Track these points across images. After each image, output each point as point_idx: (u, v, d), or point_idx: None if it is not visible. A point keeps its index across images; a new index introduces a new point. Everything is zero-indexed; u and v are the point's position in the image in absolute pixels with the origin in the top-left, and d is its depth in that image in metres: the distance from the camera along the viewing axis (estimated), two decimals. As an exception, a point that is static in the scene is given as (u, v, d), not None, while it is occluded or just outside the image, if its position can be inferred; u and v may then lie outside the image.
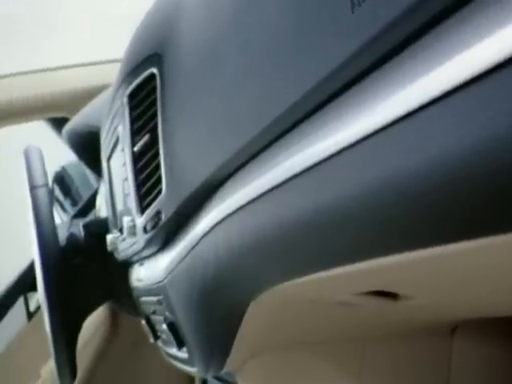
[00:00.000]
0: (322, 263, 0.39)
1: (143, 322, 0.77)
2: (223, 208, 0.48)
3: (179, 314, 0.59)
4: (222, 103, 0.45)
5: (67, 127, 1.14)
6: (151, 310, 0.71)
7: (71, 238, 0.95)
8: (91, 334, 1.18)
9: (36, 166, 0.84)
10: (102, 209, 1.23)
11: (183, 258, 0.56)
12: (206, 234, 0.52)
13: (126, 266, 0.85)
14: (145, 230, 0.61)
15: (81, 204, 1.64)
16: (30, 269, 0.95)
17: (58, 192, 1.77)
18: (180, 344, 0.61)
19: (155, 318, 0.71)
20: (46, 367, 1.34)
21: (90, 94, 1.30)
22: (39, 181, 0.84)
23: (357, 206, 0.28)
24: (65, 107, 1.39)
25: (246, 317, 0.53)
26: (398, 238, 0.28)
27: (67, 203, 1.77)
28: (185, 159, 0.54)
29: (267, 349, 0.60)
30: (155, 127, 0.60)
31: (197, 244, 0.54)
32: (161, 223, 0.58)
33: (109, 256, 0.90)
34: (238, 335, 0.54)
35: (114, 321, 1.20)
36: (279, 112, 0.36)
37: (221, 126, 0.46)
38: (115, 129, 0.72)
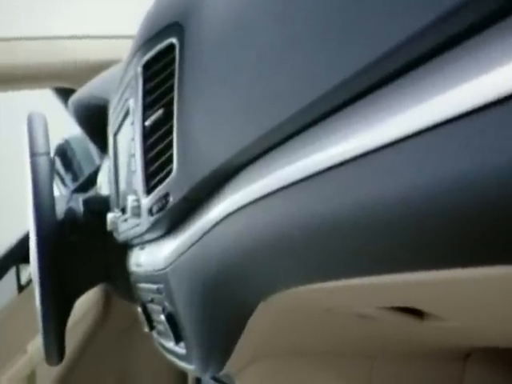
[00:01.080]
0: (347, 271, 0.34)
1: (139, 309, 0.72)
2: (238, 197, 0.43)
3: (180, 306, 0.54)
4: (249, 82, 0.40)
5: (74, 97, 1.08)
6: (149, 298, 0.66)
7: (70, 212, 0.90)
8: (82, 314, 1.13)
9: (39, 132, 0.79)
10: (103, 186, 1.18)
11: (190, 247, 0.51)
12: (217, 224, 0.47)
13: (126, 248, 0.80)
14: (150, 211, 0.55)
15: (81, 179, 1.59)
16: (25, 240, 0.90)
17: (59, 165, 1.72)
18: (178, 338, 0.56)
19: (152, 307, 0.66)
20: (33, 342, 1.30)
21: (99, 68, 1.25)
22: (41, 148, 0.79)
23: (379, 216, 0.27)
24: (72, 78, 1.34)
25: (253, 318, 0.48)
26: (426, 254, 0.26)
27: (68, 178, 1.72)
28: (201, 140, 0.48)
29: (271, 354, 0.55)
30: (170, 102, 0.54)
31: (206, 233, 0.49)
32: (168, 206, 0.53)
33: (107, 236, 0.85)
34: (243, 336, 0.50)
35: (106, 303, 1.15)
36: (313, 98, 0.31)
37: (245, 107, 0.41)
38: (126, 101, 0.67)
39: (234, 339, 0.50)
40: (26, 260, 0.94)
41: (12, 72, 1.19)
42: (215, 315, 0.51)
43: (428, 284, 0.30)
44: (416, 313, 0.42)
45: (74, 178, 1.67)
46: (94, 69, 1.29)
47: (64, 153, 1.71)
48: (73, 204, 0.92)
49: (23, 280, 1.40)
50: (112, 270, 0.92)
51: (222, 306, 0.50)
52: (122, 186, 0.74)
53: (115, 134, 0.79)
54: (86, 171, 1.63)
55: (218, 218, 0.47)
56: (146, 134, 0.58)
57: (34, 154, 0.77)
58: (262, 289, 0.45)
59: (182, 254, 0.52)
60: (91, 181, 1.37)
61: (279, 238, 0.39)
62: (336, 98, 0.30)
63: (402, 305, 0.40)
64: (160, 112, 0.56)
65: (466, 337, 0.46)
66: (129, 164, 0.68)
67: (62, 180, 1.73)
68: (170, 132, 0.54)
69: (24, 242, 1.25)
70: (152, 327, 0.70)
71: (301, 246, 0.37)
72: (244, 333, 0.49)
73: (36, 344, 1.23)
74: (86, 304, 1.12)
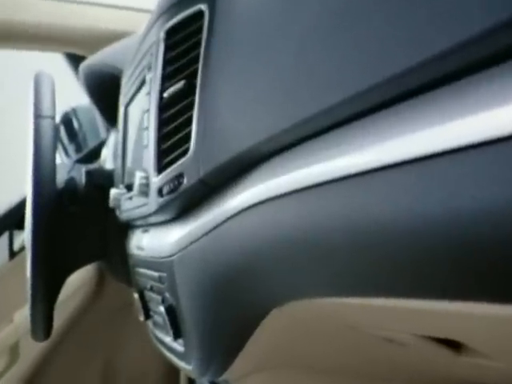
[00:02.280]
0: (376, 290, 0.30)
1: (135, 295, 0.66)
2: (262, 190, 0.38)
3: (183, 299, 0.48)
4: (290, 62, 0.35)
5: (85, 63, 1.02)
6: (148, 286, 0.61)
7: (70, 182, 0.84)
8: (73, 290, 1.07)
9: (45, 94, 0.73)
10: (107, 161, 1.11)
11: (201, 236, 0.45)
12: (234, 215, 0.41)
13: (127, 228, 0.74)
14: (160, 192, 0.50)
15: (85, 151, 1.53)
16: (21, 205, 0.83)
17: (63, 134, 1.66)
18: (177, 334, 0.50)
19: (151, 296, 0.60)
20: (20, 312, 1.24)
21: (112, 38, 1.19)
22: (46, 111, 0.72)
23: (412, 233, 0.24)
24: (83, 45, 1.27)
25: (265, 323, 0.42)
26: (468, 284, 0.23)
27: (71, 148, 1.66)
28: (226, 120, 0.43)
29: (278, 364, 0.49)
30: (194, 74, 0.48)
31: (221, 224, 0.43)
32: (181, 188, 0.47)
33: (108, 212, 0.79)
34: (250, 342, 0.44)
35: (100, 282, 1.09)
36: (360, 91, 0.27)
37: (282, 90, 0.35)
38: (143, 69, 0.61)
39: (240, 343, 0.45)
40: (21, 226, 0.88)
41: (23, 29, 1.13)
42: (222, 315, 0.45)
43: (473, 316, 0.26)
44: (453, 345, 0.36)
45: (78, 149, 1.61)
46: (106, 38, 1.23)
47: (69, 122, 1.64)
48: (74, 174, 0.85)
49: (16, 246, 1.34)
50: (109, 248, 0.86)
51: (230, 305, 0.44)
52: (130, 161, 0.68)
53: (127, 106, 0.72)
54: (91, 143, 1.57)
55: (237, 210, 0.41)
56: (163, 106, 0.52)
57: (38, 116, 0.71)
58: (278, 294, 0.40)
59: (192, 243, 0.46)
60: (95, 154, 1.31)
61: (302, 241, 0.33)
62: (379, 96, 0.27)
63: (439, 335, 0.34)
64: (181, 84, 0.50)
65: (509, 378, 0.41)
66: (140, 138, 0.62)
67: (65, 150, 1.66)
68: (190, 107, 0.48)
69: (20, 207, 1.18)
70: (148, 316, 0.64)
71: (324, 254, 0.32)
72: (252, 338, 0.44)
73: (23, 314, 1.17)
74: (78, 281, 1.06)
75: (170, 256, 0.49)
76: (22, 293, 0.90)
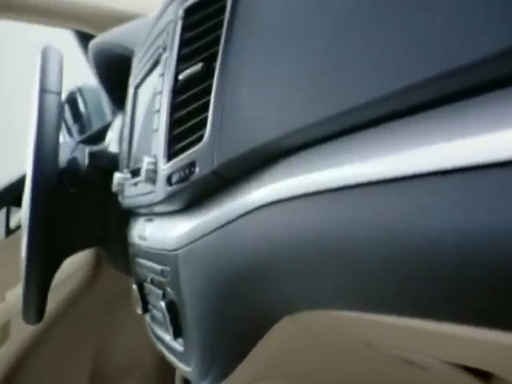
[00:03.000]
0: (401, 307, 0.27)
1: (134, 286, 0.63)
2: (280, 188, 0.34)
3: (186, 296, 0.45)
4: (321, 49, 0.31)
5: (95, 42, 0.98)
6: (148, 278, 0.57)
7: (73, 162, 0.80)
8: (68, 275, 1.04)
9: (52, 68, 0.69)
10: (112, 144, 1.08)
11: (211, 231, 0.42)
12: (249, 212, 0.38)
13: (129, 215, 0.70)
14: (169, 180, 0.46)
15: (89, 132, 1.49)
16: (21, 182, 0.79)
17: (67, 113, 1.61)
18: (177, 332, 0.47)
19: (151, 289, 0.57)
20: (13, 291, 1.20)
21: (123, 18, 1.14)
22: (52, 86, 0.68)
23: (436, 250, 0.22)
24: (93, 24, 1.22)
25: (274, 330, 0.39)
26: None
27: (75, 128, 1.61)
28: (246, 108, 0.39)
29: (279, 375, 0.46)
30: (213, 57, 0.44)
31: (235, 220, 0.39)
32: (192, 178, 0.43)
33: (110, 197, 0.75)
34: (256, 348, 0.40)
35: (96, 268, 1.05)
36: (394, 90, 0.25)
37: (310, 81, 0.32)
38: (157, 49, 0.57)
39: (245, 348, 0.41)
40: (19, 203, 0.84)
41: (33, 3, 1.08)
42: (229, 316, 0.42)
43: (506, 346, 0.24)
44: (482, 374, 0.32)
45: (81, 130, 1.57)
46: (117, 19, 1.18)
47: (74, 101, 1.60)
48: (77, 154, 0.81)
49: (12, 224, 1.30)
50: (109, 234, 0.82)
51: (239, 307, 0.40)
52: (137, 145, 0.65)
53: (137, 87, 0.69)
54: (95, 125, 1.53)
55: (253, 206, 0.37)
56: (178, 89, 0.48)
57: (43, 90, 0.67)
58: (291, 301, 0.36)
59: (201, 237, 0.42)
60: (99, 136, 1.27)
61: (320, 246, 0.30)
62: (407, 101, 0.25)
63: (468, 363, 0.31)
64: (198, 66, 0.46)
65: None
66: (149, 121, 0.58)
67: (69, 130, 1.62)
68: (207, 91, 0.44)
69: (19, 183, 1.14)
70: (146, 310, 0.60)
71: (342, 263, 0.29)
72: (259, 344, 0.40)
73: (16, 293, 1.13)
74: (74, 264, 1.03)
75: (176, 249, 0.45)
76: (15, 271, 0.87)
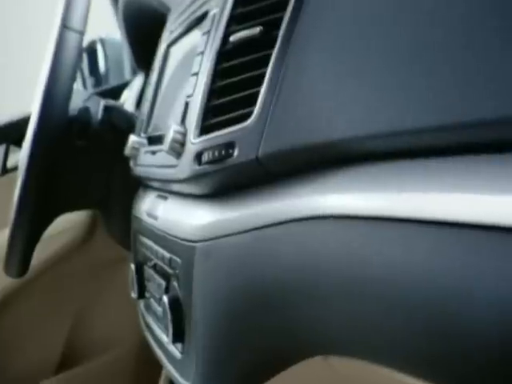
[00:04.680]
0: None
1: (132, 266, 0.54)
2: (340, 201, 0.28)
3: (198, 300, 0.36)
4: (413, 47, 0.24)
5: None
6: (150, 262, 0.49)
7: (84, 112, 0.70)
8: (62, 230, 0.95)
9: (78, 4, 0.59)
10: (127, 105, 0.98)
11: (243, 231, 0.33)
12: (298, 220, 0.30)
13: (138, 184, 0.62)
14: (198, 157, 0.37)
15: (105, 87, 1.39)
16: (25, 121, 0.70)
17: (84, 63, 1.51)
18: (177, 336, 0.39)
19: (152, 276, 0.48)
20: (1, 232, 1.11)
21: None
22: (75, 23, 0.59)
23: None
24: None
25: (299, 368, 0.31)
26: None
27: (90, 81, 1.51)
28: (314, 95, 0.30)
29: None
30: (275, 23, 0.36)
31: (276, 224, 0.31)
32: (228, 162, 0.34)
33: (120, 160, 0.66)
34: (272, 382, 0.32)
35: (92, 229, 0.97)
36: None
37: (404, 82, 0.25)
38: (203, 4, 0.48)
39: (259, 379, 0.33)
40: (20, 143, 0.74)
41: None
42: (248, 337, 0.33)
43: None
44: None
45: (97, 84, 1.47)
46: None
47: (94, 52, 1.50)
48: (91, 105, 0.72)
49: (10, 163, 1.20)
50: (111, 200, 0.73)
51: (263, 330, 0.32)
52: (161, 109, 0.56)
53: (170, 44, 0.59)
54: (112, 81, 1.43)
55: (302, 214, 0.30)
56: (226, 52, 0.39)
57: (65, 27, 0.58)
58: (330, 338, 0.28)
59: (229, 235, 0.34)
60: (114, 94, 1.17)
61: (383, 283, 0.24)
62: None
63: None
64: (256, 31, 0.37)
65: None
66: (181, 84, 0.49)
67: (83, 81, 1.52)
68: (263, 62, 0.35)
69: (24, 122, 1.04)
70: (141, 296, 0.52)
71: (404, 311, 0.23)
72: (277, 377, 0.32)
73: (2, 237, 1.04)
74: (67, 222, 0.94)
75: (193, 241, 0.37)
76: (5, 213, 0.77)
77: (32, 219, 0.68)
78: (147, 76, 0.93)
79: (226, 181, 0.36)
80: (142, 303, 0.54)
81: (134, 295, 0.52)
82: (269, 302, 0.31)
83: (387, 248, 0.25)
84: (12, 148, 1.19)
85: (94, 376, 0.92)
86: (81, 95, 0.76)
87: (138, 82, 1.04)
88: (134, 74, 1.22)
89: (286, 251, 0.30)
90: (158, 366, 0.52)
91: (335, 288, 0.28)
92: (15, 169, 1.15)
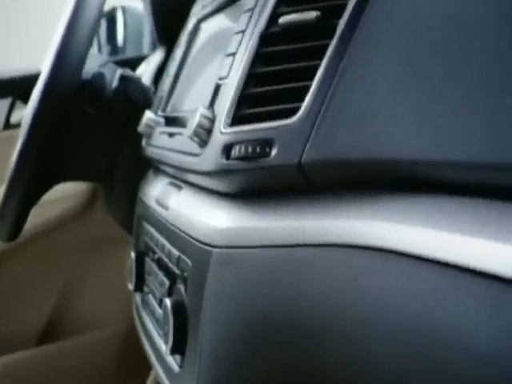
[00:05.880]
0: None
1: (132, 254, 0.49)
2: (398, 234, 0.23)
3: (209, 311, 0.31)
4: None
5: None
6: (153, 255, 0.43)
7: (99, 77, 0.63)
8: (60, 197, 0.89)
9: None
10: (143, 79, 0.92)
11: (274, 246, 0.28)
12: (336, 246, 0.24)
13: (147, 165, 0.56)
14: (227, 150, 0.31)
15: (121, 57, 1.32)
16: (34, 78, 0.64)
17: (103, 30, 1.43)
18: (177, 346, 0.33)
19: (154, 270, 0.43)
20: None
21: None
22: None
23: None
24: None
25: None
26: None
27: (106, 49, 1.44)
28: (380, 102, 0.25)
29: None
30: (336, 10, 0.30)
31: (311, 246, 0.25)
32: (262, 161, 0.29)
33: (130, 135, 0.61)
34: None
35: (91, 202, 0.91)
36: None
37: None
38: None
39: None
40: (26, 99, 0.68)
41: None
42: (260, 361, 0.28)
43: None
44: None
45: (113, 53, 1.40)
46: None
47: (114, 20, 1.42)
48: (106, 72, 0.65)
49: (14, 119, 1.13)
50: (116, 176, 0.67)
51: (278, 357, 0.27)
52: (183, 88, 0.50)
53: (202, 19, 0.53)
54: (129, 53, 1.36)
55: (342, 240, 0.24)
56: (272, 34, 0.33)
57: None
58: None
59: (253, 247, 0.28)
60: (131, 65, 1.10)
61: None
62: None
63: None
64: (312, 15, 0.31)
65: None
66: (212, 64, 0.43)
67: (99, 48, 1.45)
68: (318, 52, 0.29)
69: (33, 79, 0.97)
70: (139, 289, 0.46)
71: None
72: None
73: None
74: (67, 190, 0.88)
75: (211, 245, 0.31)
76: (3, 170, 0.71)
77: (29, 182, 0.62)
78: (168, 51, 0.86)
79: (257, 183, 0.30)
80: (138, 297, 0.49)
81: (130, 286, 0.47)
82: (293, 331, 0.26)
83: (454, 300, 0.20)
84: (18, 104, 1.12)
85: (75, 353, 0.87)
86: (96, 59, 0.69)
87: (156, 56, 0.97)
88: (154, 48, 1.15)
89: (320, 278, 0.25)
90: (145, 356, 0.47)
91: (381, 331, 0.22)
92: (18, 125, 1.08)
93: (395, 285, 0.22)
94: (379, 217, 0.23)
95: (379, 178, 0.24)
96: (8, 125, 1.10)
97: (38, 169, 0.61)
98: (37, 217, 0.79)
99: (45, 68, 0.57)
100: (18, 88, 1.08)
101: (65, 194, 0.88)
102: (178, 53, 0.56)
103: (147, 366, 0.46)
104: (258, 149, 0.30)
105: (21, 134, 0.61)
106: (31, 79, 0.69)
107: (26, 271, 0.92)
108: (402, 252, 0.22)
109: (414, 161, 0.23)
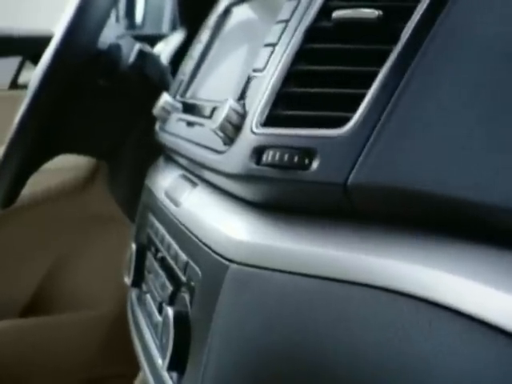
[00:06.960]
0: None
1: (133, 246, 0.44)
2: (453, 289, 0.18)
3: (218, 330, 0.26)
4: None
5: None
6: (158, 254, 0.38)
7: (115, 49, 0.58)
8: (60, 168, 0.84)
9: None
10: (161, 58, 0.86)
11: (300, 274, 0.23)
12: (374, 287, 0.20)
13: (159, 151, 0.51)
14: (257, 154, 0.27)
15: (139, 32, 1.26)
16: (47, 39, 0.59)
17: (122, 3, 1.37)
18: (175, 362, 0.29)
19: (155, 269, 0.38)
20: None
21: None
22: None
23: None
24: None
25: None
26: None
27: (124, 23, 1.37)
28: (448, 124, 0.20)
29: None
30: (402, 12, 0.25)
31: (346, 282, 0.21)
32: (300, 174, 0.24)
33: (142, 116, 0.56)
34: None
35: (92, 177, 0.86)
36: None
37: None
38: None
39: None
40: (37, 61, 0.63)
41: None
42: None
43: None
44: None
45: (130, 27, 1.33)
46: None
47: (133, -6, 1.36)
48: (123, 44, 0.60)
49: (21, 80, 1.06)
50: (123, 157, 0.62)
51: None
52: (208, 74, 0.45)
53: (233, 4, 0.48)
54: (147, 30, 1.30)
55: (383, 282, 0.20)
56: (322, 29, 0.29)
57: None
58: None
59: (279, 271, 0.24)
60: (149, 42, 1.04)
61: None
62: None
63: None
64: (373, 14, 0.27)
65: None
66: (243, 53, 0.38)
67: (117, 20, 1.39)
68: (378, 57, 0.25)
69: (45, 40, 0.91)
70: (136, 285, 0.42)
71: None
72: None
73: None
74: (69, 162, 0.83)
75: (225, 258, 0.27)
76: (5, 130, 0.66)
77: (30, 147, 0.57)
78: (190, 33, 0.81)
79: (289, 196, 0.26)
80: (134, 294, 0.44)
81: (126, 280, 0.42)
82: (313, 372, 0.22)
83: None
84: (27, 65, 1.06)
85: (59, 329, 0.83)
86: (114, 30, 0.64)
87: (176, 37, 0.91)
88: (173, 28, 1.09)
89: (357, 321, 0.20)
90: (133, 345, 0.43)
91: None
92: (25, 87, 1.02)
93: (455, 351, 0.18)
94: (442, 267, 0.19)
95: (441, 217, 0.20)
96: (15, 84, 1.04)
97: (40, 134, 0.57)
98: (36, 185, 0.74)
99: (60, 29, 0.52)
100: (29, 48, 1.02)
101: (66, 165, 0.83)
102: (205, 36, 0.51)
103: (134, 356, 0.42)
104: (295, 158, 0.25)
105: (28, 95, 0.55)
106: (44, 40, 0.64)
107: (17, 239, 0.87)
108: (466, 313, 0.18)
109: (494, 206, 0.18)
